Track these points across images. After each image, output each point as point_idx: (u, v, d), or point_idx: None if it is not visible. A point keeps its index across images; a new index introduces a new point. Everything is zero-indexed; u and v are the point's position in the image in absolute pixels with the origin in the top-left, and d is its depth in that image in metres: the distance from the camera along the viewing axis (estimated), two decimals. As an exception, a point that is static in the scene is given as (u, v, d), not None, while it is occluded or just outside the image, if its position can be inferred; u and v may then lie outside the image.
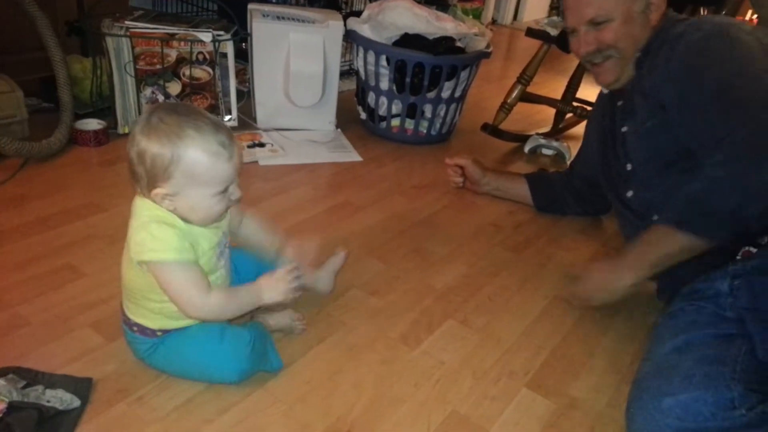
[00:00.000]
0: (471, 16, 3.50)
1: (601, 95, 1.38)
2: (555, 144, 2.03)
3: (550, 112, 2.31)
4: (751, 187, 0.94)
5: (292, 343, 1.05)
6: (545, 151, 2.04)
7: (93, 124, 1.71)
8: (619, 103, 1.22)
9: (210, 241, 0.89)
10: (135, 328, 0.92)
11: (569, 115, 2.23)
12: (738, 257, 1.00)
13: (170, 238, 0.82)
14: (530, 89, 2.09)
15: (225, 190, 0.85)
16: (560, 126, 2.27)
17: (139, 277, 0.87)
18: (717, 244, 1.00)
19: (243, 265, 1.04)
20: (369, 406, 0.94)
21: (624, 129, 1.19)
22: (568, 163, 1.96)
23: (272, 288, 0.91)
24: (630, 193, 1.19)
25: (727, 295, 0.90)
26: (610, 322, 1.21)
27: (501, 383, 1.02)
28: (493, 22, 4.29)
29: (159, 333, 0.92)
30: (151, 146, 0.79)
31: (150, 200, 0.84)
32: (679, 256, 1.03)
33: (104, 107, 1.81)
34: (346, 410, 0.93)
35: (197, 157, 0.80)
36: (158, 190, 0.82)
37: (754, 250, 1.00)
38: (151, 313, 0.90)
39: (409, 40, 1.84)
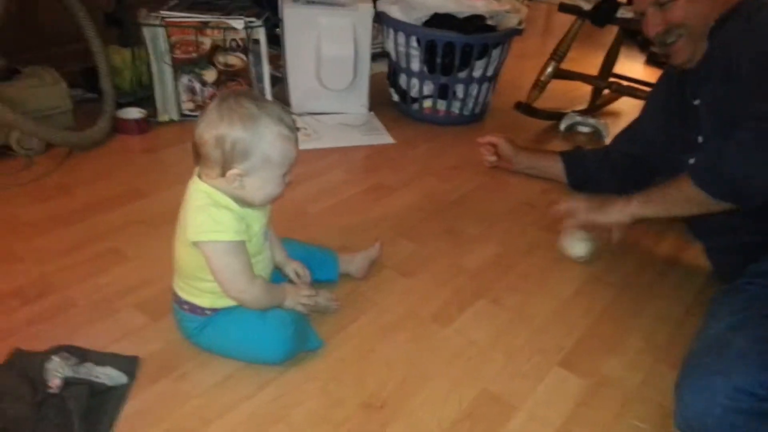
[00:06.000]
0: (505, -7, 3.44)
1: (668, 71, 1.35)
2: (591, 121, 1.99)
3: (587, 89, 2.26)
4: (760, 162, 0.96)
5: (327, 322, 1.07)
6: (581, 129, 2.00)
7: (134, 112, 1.77)
8: (691, 77, 1.19)
9: (260, 222, 0.95)
10: (186, 307, 0.96)
11: (606, 91, 2.18)
12: None
13: (229, 221, 0.88)
14: (567, 66, 2.05)
15: (286, 174, 0.90)
16: (597, 103, 2.23)
17: (192, 257, 0.91)
18: (721, 207, 1.04)
19: (291, 249, 1.11)
20: (401, 383, 0.97)
21: (696, 102, 1.16)
22: (606, 140, 1.92)
23: (292, 298, 1.01)
24: (692, 161, 1.16)
25: None
26: (646, 301, 1.20)
27: (532, 361, 1.03)
28: (529, -3, 4.19)
29: (208, 312, 0.96)
30: (233, 130, 0.84)
31: (209, 183, 0.89)
32: (682, 204, 1.10)
33: (145, 96, 1.86)
34: (379, 387, 0.95)
35: (274, 141, 0.86)
36: (233, 171, 0.86)
37: None
38: (202, 292, 0.95)
39: (438, 20, 1.83)
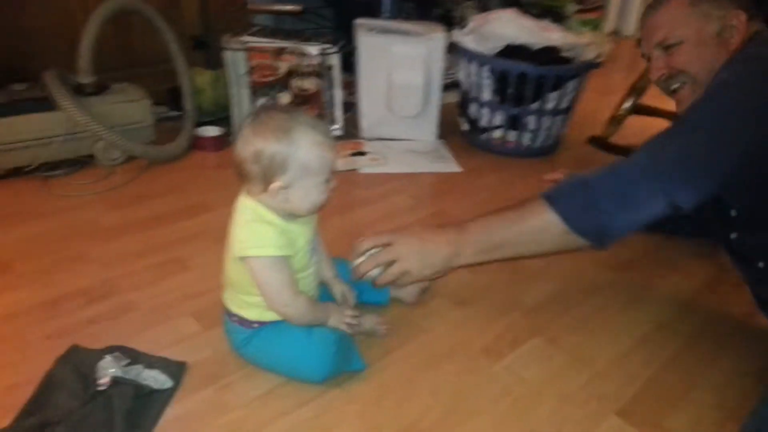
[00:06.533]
0: (588, 28, 3.38)
1: None
2: (671, 160, 1.89)
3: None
4: (633, 202, 0.93)
5: (373, 346, 1.05)
6: (660, 168, 1.90)
7: (212, 131, 1.85)
8: None
9: (305, 236, 0.95)
10: (235, 319, 0.98)
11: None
12: None
13: (271, 235, 0.89)
14: (650, 102, 1.97)
15: (328, 179, 0.91)
16: (680, 142, 2.11)
17: (240, 271, 0.92)
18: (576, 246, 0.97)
19: (343, 270, 1.09)
20: (443, 415, 0.93)
21: None
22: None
23: (336, 318, 0.99)
24: (734, 236, 1.07)
25: None
26: (719, 354, 1.10)
27: (588, 408, 0.96)
28: (615, 33, 4.10)
29: (256, 325, 0.97)
30: (268, 144, 0.85)
31: (255, 198, 0.90)
32: (532, 241, 0.97)
33: (224, 116, 1.94)
34: (419, 417, 0.92)
35: (309, 149, 0.86)
36: (275, 184, 0.87)
37: None
38: (250, 305, 0.96)
39: (511, 51, 1.81)
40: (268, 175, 0.87)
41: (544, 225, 0.96)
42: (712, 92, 0.95)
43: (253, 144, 0.86)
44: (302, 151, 0.86)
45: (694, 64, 1.03)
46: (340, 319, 0.99)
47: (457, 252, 0.99)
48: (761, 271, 1.01)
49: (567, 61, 1.82)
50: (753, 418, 0.79)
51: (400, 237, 0.99)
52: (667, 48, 1.05)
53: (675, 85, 1.08)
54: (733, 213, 1.05)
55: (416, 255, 0.98)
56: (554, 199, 0.97)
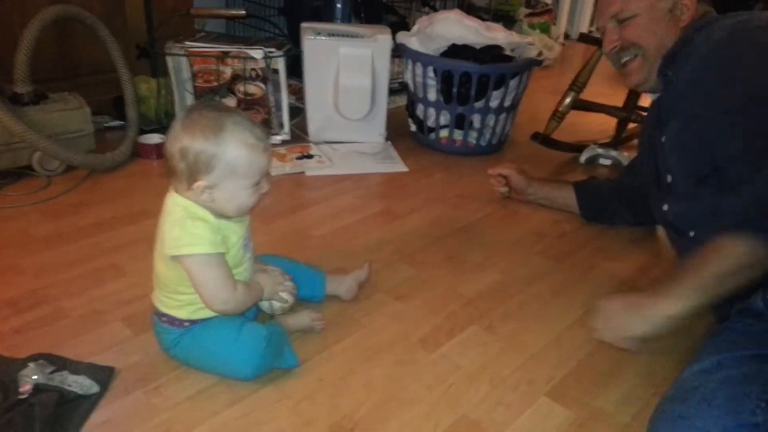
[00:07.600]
0: (538, 31, 3.45)
1: (652, 103, 1.31)
2: (613, 153, 1.93)
3: (614, 122, 2.21)
4: None
5: (309, 342, 1.05)
6: (603, 161, 1.95)
7: (155, 138, 1.82)
8: (661, 111, 1.16)
9: (237, 233, 0.94)
10: (164, 319, 0.96)
11: (633, 125, 2.12)
12: None
13: (204, 233, 0.87)
14: (597, 99, 2.02)
15: (258, 183, 0.89)
16: (623, 136, 2.16)
17: (171, 270, 0.91)
18: None
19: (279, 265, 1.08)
20: (377, 406, 0.93)
21: (663, 139, 1.13)
22: (626, 173, 1.86)
23: (270, 286, 1.00)
24: (665, 207, 1.11)
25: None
26: (651, 333, 1.13)
27: (519, 391, 0.97)
28: (566, 36, 4.18)
29: (186, 323, 0.95)
30: (195, 142, 0.84)
31: (184, 196, 0.89)
32: (738, 272, 0.84)
33: (169, 124, 1.91)
34: (353, 409, 0.92)
35: (238, 150, 0.85)
36: (199, 183, 0.86)
37: None
38: (181, 304, 0.94)
39: (456, 51, 1.84)
40: (193, 172, 0.86)
41: (743, 256, 0.84)
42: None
43: (181, 140, 0.85)
44: (230, 151, 0.85)
45: (646, 38, 1.07)
46: (274, 286, 1.00)
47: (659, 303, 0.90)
48: (692, 240, 1.04)
49: (509, 59, 1.85)
50: (673, 385, 0.82)
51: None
52: (621, 21, 1.09)
53: (626, 58, 1.12)
54: (669, 179, 1.09)
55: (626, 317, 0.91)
56: (740, 224, 0.85)
